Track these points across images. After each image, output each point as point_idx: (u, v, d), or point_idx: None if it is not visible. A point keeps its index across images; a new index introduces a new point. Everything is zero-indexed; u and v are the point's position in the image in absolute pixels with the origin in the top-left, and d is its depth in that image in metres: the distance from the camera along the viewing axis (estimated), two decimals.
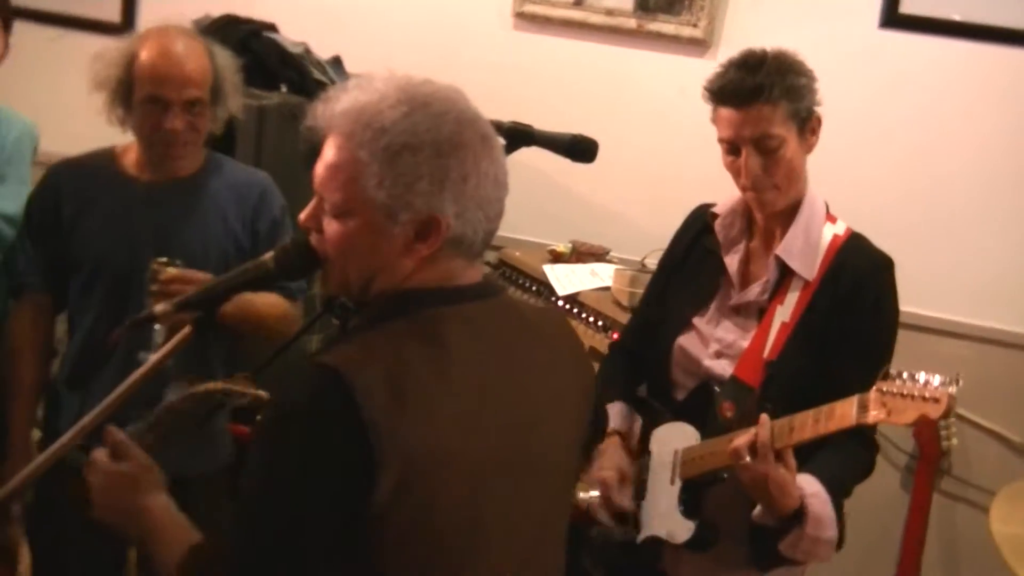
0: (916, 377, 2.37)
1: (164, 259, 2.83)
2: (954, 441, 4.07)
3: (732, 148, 2.74)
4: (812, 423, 2.50)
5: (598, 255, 4.18)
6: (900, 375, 2.39)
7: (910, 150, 4.21)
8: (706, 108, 2.78)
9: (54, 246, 3.10)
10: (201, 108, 3.01)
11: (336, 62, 4.15)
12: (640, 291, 3.47)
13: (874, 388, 2.41)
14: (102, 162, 3.15)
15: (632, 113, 4.33)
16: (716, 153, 2.79)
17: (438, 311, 1.98)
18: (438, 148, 1.93)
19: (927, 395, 2.34)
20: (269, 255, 2.12)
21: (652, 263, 3.70)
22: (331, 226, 1.97)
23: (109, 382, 2.79)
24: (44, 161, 3.37)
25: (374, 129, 1.91)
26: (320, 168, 1.96)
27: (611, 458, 2.92)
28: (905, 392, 2.36)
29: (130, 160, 3.13)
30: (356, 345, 1.91)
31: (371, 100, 1.94)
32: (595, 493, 2.87)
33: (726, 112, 2.71)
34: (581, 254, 4.16)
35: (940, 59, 4.15)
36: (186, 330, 2.12)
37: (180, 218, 3.09)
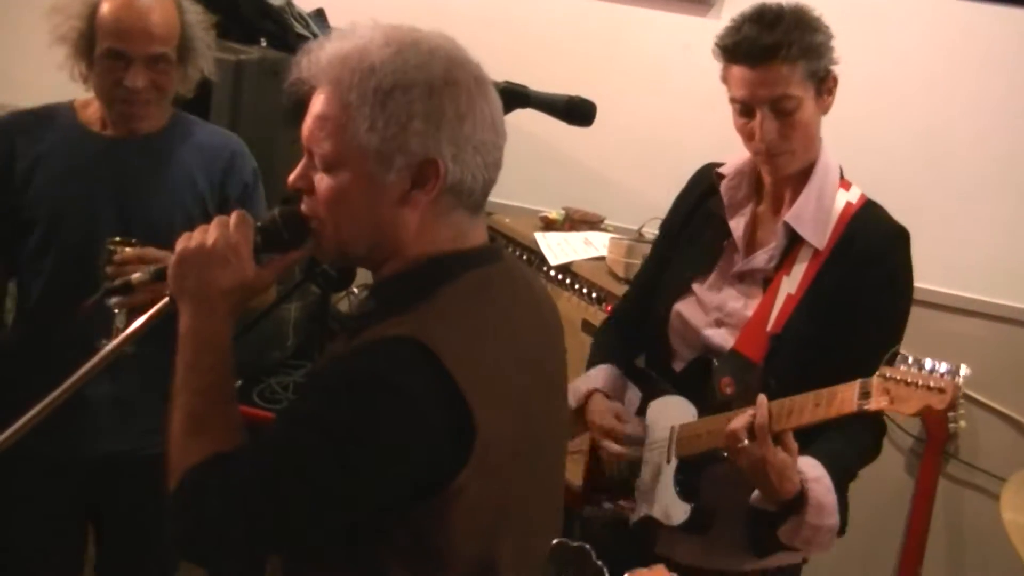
0: (922, 363, 2.34)
1: (119, 238, 2.77)
2: (962, 424, 3.95)
3: (745, 109, 2.70)
4: (812, 407, 2.48)
5: (592, 223, 4.14)
6: (906, 360, 2.35)
7: (929, 117, 4.18)
8: (709, 68, 2.74)
9: (4, 202, 3.00)
10: (165, 65, 2.92)
11: (319, 15, 4.11)
12: (637, 261, 3.48)
13: (877, 373, 2.37)
14: (60, 114, 3.07)
15: (630, 73, 4.29)
16: (719, 116, 2.76)
17: (475, 275, 2.00)
18: (430, 86, 1.90)
19: (932, 384, 2.31)
20: (256, 224, 2.05)
21: (649, 232, 3.69)
22: (322, 182, 1.93)
23: (64, 358, 2.76)
24: None
25: (362, 71, 1.88)
26: (308, 122, 1.93)
27: (597, 412, 2.93)
28: (910, 380, 2.33)
29: (91, 114, 3.05)
30: (424, 313, 1.91)
31: (357, 45, 1.92)
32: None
33: (739, 71, 2.66)
34: (575, 222, 4.12)
35: (964, 23, 4.10)
36: (165, 300, 2.04)
37: (144, 178, 3.02)
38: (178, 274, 2.00)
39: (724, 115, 2.75)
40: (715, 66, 2.72)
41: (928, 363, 2.33)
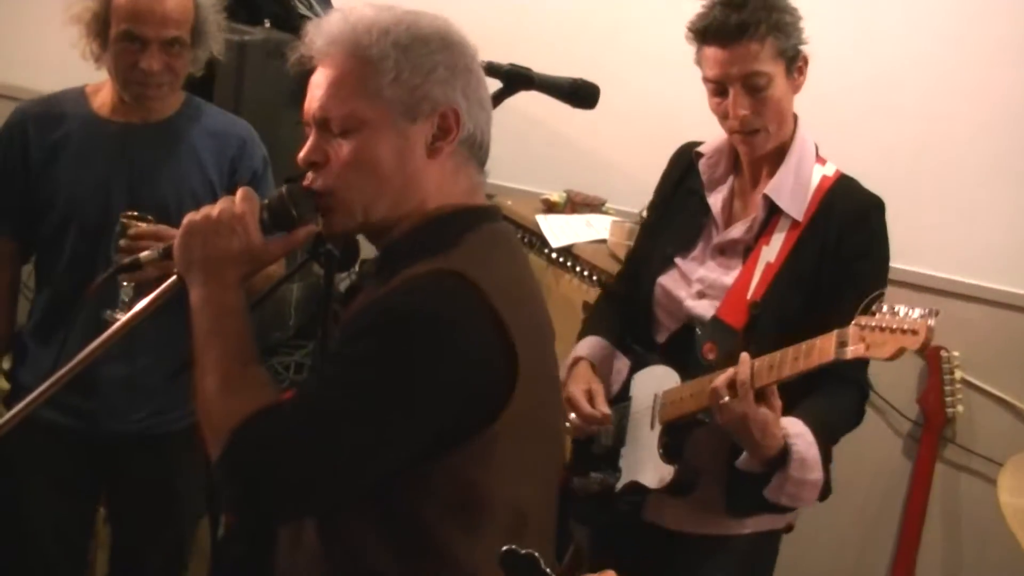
0: (895, 310, 2.38)
1: (134, 213, 2.78)
2: (960, 408, 4.08)
3: (719, 88, 2.77)
4: (792, 360, 2.52)
5: (594, 206, 4.16)
6: (880, 308, 2.40)
7: (918, 102, 4.19)
8: None
9: (21, 190, 3.04)
10: (180, 48, 2.94)
11: None
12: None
13: (854, 323, 2.42)
14: (72, 102, 3.09)
15: (632, 56, 4.30)
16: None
17: (492, 228, 2.07)
18: (443, 39, 1.98)
19: (906, 327, 2.35)
20: (265, 201, 2.05)
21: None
22: (343, 149, 1.95)
23: (79, 335, 2.78)
24: (12, 96, 3.31)
25: (378, 30, 1.94)
26: (319, 93, 1.96)
27: (575, 378, 2.95)
28: (884, 325, 2.38)
29: (102, 100, 3.06)
30: (456, 254, 1.94)
31: (362, 16, 1.96)
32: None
33: (711, 51, 2.75)
34: (576, 204, 4.14)
35: (966, 10, 4.11)
36: (173, 278, 2.05)
37: (154, 163, 3.03)
38: (185, 244, 2.00)
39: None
40: None
41: (901, 309, 2.37)
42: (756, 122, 2.78)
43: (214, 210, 2.00)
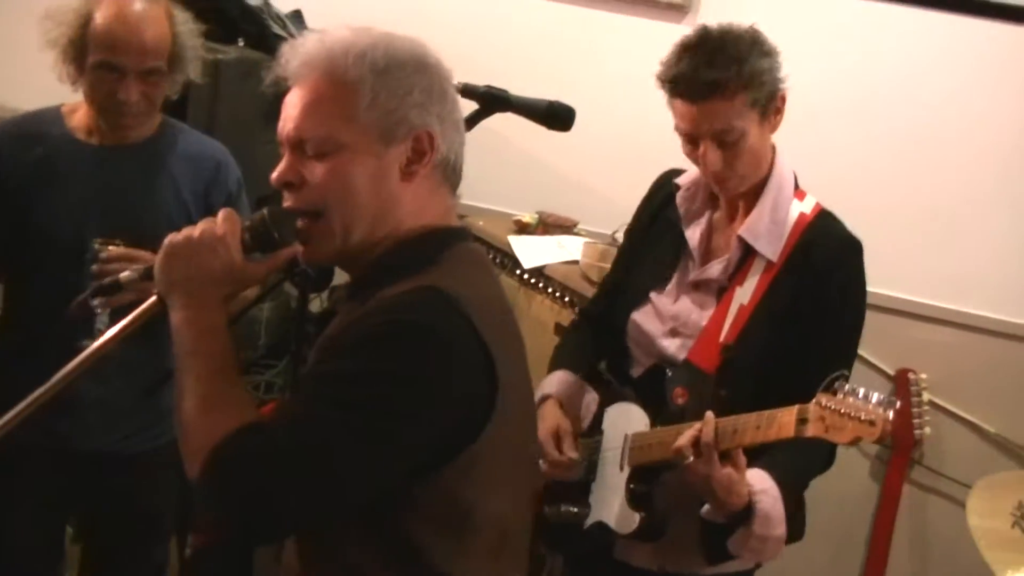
0: (857, 392, 2.36)
1: (104, 239, 2.78)
2: (927, 431, 4.07)
3: (690, 139, 2.71)
4: (754, 429, 2.50)
5: (566, 227, 4.18)
6: (843, 388, 2.37)
7: (896, 127, 4.22)
8: None
9: None
10: (158, 78, 2.93)
11: (297, 16, 4.17)
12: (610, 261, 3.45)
13: (815, 401, 2.40)
14: (48, 122, 3.07)
15: (606, 79, 4.31)
16: None
17: (465, 248, 2.06)
18: (419, 63, 1.97)
19: (863, 417, 2.33)
20: (244, 224, 2.03)
21: (621, 236, 3.62)
22: (318, 169, 1.94)
23: (51, 357, 2.75)
24: None
25: (355, 54, 1.93)
26: (294, 113, 1.94)
27: (542, 418, 2.89)
28: (843, 410, 2.36)
29: (78, 121, 3.05)
30: (435, 272, 1.94)
31: (338, 39, 1.95)
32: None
33: (681, 105, 2.67)
34: (548, 226, 4.15)
35: (928, 31, 4.17)
36: (152, 299, 2.03)
37: (130, 185, 3.02)
38: (166, 265, 1.98)
39: None
40: None
41: (862, 392, 2.36)
42: (728, 172, 2.72)
43: (195, 231, 1.98)
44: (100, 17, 2.86)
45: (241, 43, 3.98)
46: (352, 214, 1.96)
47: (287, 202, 1.99)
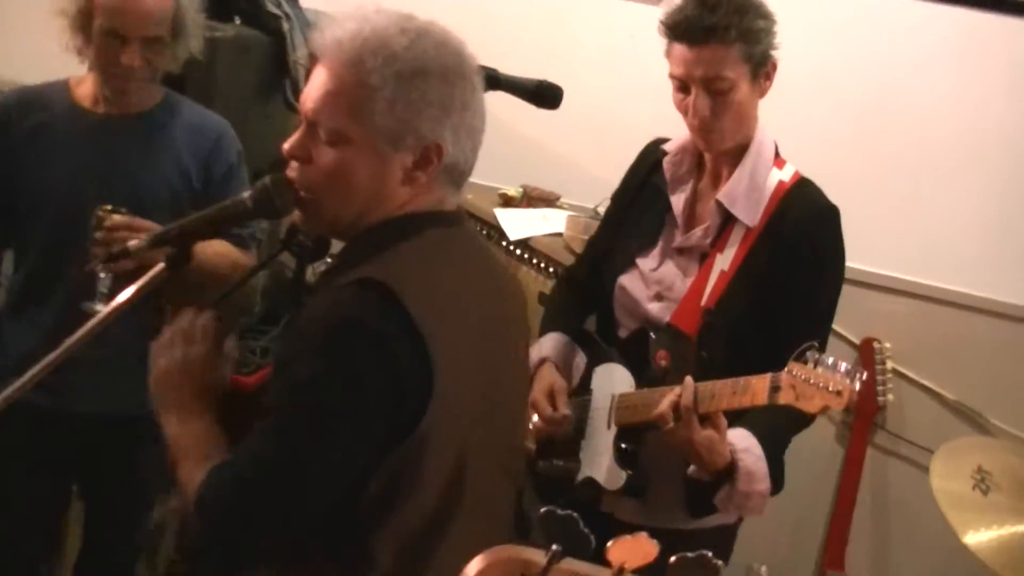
0: (826, 362, 2.40)
1: (109, 206, 2.83)
2: (890, 397, 4.19)
3: (682, 85, 2.75)
4: (730, 395, 2.55)
5: (549, 201, 4.22)
6: (813, 357, 2.41)
7: (864, 103, 4.26)
8: (658, 55, 2.80)
9: (1, 175, 3.08)
10: (160, 46, 2.99)
11: None
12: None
13: (786, 369, 2.44)
14: (55, 93, 3.13)
15: (586, 59, 4.33)
16: (669, 102, 2.81)
17: (438, 233, 2.05)
18: (445, 75, 1.97)
19: (831, 388, 2.38)
20: (247, 193, 2.10)
21: (604, 209, 3.67)
22: (326, 155, 1.98)
23: (53, 318, 2.82)
24: None
25: (384, 55, 1.93)
26: (316, 94, 1.97)
27: (538, 380, 2.95)
28: (812, 380, 2.40)
29: (84, 92, 3.10)
30: (385, 259, 1.97)
31: (376, 28, 1.96)
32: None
33: (679, 49, 2.71)
34: (532, 199, 4.19)
35: (898, 7, 4.22)
36: (159, 267, 2.10)
37: (132, 154, 3.08)
38: (160, 395, 2.13)
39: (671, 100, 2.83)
40: (659, 56, 2.79)
41: (831, 362, 2.40)
42: (714, 123, 2.75)
43: (179, 351, 2.12)
44: None
45: (237, 21, 3.98)
46: (345, 203, 2.01)
47: (291, 172, 2.03)
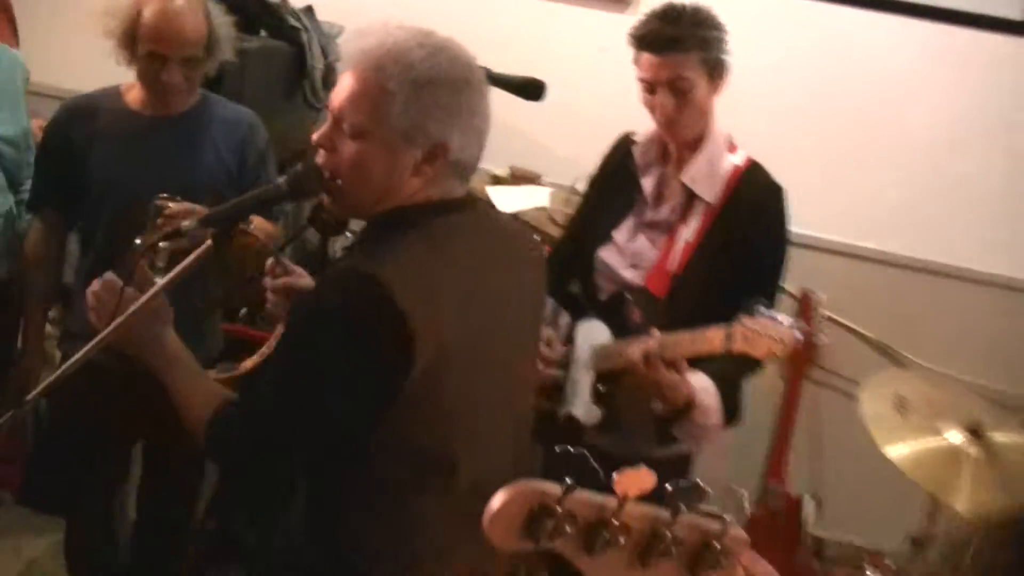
0: (773, 316, 2.50)
1: (166, 195, 2.82)
2: (824, 339, 4.22)
3: (649, 87, 2.80)
4: (690, 343, 2.62)
5: (532, 179, 4.28)
6: (762, 311, 2.50)
7: (813, 90, 4.28)
8: (623, 58, 2.83)
9: (65, 171, 3.10)
10: (196, 63, 3.02)
11: (308, 10, 4.13)
12: (572, 207, 3.52)
13: (738, 321, 2.52)
14: (109, 98, 3.15)
15: (562, 59, 4.24)
16: (633, 96, 2.83)
17: (441, 220, 2.06)
18: (455, 85, 2.00)
19: (776, 336, 2.48)
20: (282, 179, 2.12)
21: (582, 187, 3.56)
22: (349, 146, 2.01)
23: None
24: (58, 95, 3.40)
25: (403, 65, 1.97)
26: (342, 94, 2.02)
27: None
28: (761, 331, 2.49)
29: (134, 97, 3.13)
30: (382, 252, 1.98)
31: (397, 41, 2.00)
32: None
33: (646, 57, 2.77)
34: (517, 178, 4.28)
35: (847, 24, 4.23)
36: (207, 244, 2.12)
37: (177, 147, 3.10)
38: (128, 348, 2.16)
39: (635, 95, 2.84)
40: (625, 56, 2.82)
41: (777, 316, 2.50)
42: (678, 118, 2.81)
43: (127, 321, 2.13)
44: (147, 13, 2.94)
45: (263, 33, 4.01)
46: (363, 188, 2.04)
47: (319, 158, 2.07)
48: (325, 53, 4.08)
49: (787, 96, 4.31)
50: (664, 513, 1.21)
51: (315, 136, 2.07)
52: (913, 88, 4.30)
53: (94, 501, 3.33)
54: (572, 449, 1.26)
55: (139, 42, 2.95)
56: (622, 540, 1.19)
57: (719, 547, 1.21)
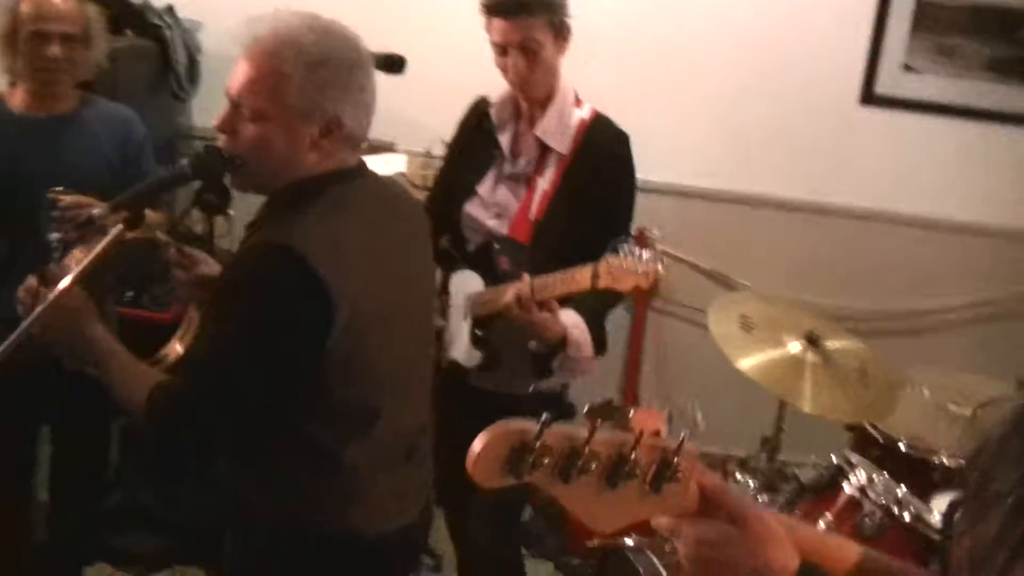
0: (635, 252, 2.54)
1: (60, 188, 2.85)
2: (663, 272, 4.31)
3: (501, 50, 2.87)
4: (560, 283, 2.67)
5: (387, 147, 4.26)
6: (624, 249, 2.54)
7: (642, 45, 4.41)
8: (467, 34, 2.95)
9: None
10: (74, 44, 3.05)
11: (169, 9, 4.20)
12: (430, 173, 3.65)
13: (603, 260, 2.56)
14: None
15: (416, 30, 4.24)
16: (477, 65, 2.94)
17: (340, 188, 2.11)
18: (345, 64, 2.04)
19: (640, 271, 2.54)
20: (185, 161, 2.16)
21: (436, 151, 3.85)
22: (249, 129, 2.04)
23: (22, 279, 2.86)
24: None
25: (297, 48, 2.00)
26: (240, 80, 2.04)
27: None
28: (625, 267, 2.54)
29: (17, 100, 3.15)
30: (290, 223, 2.03)
31: (289, 26, 2.03)
32: None
33: (497, 22, 2.84)
34: (373, 147, 4.06)
35: None
36: (119, 228, 2.13)
37: (64, 146, 3.14)
38: (56, 341, 2.15)
39: (483, 61, 2.93)
40: (468, 27, 2.92)
41: (637, 252, 2.54)
42: (529, 77, 2.87)
43: (48, 311, 2.11)
44: (25, 3, 3.00)
45: (129, 33, 4.05)
46: (265, 166, 2.08)
47: (220, 143, 2.10)
48: (188, 48, 4.13)
49: (622, 55, 4.35)
50: (628, 437, 1.21)
51: (215, 122, 2.08)
52: (724, 45, 4.40)
53: (4, 483, 3.32)
54: (543, 386, 1.28)
55: (20, 31, 2.98)
56: (593, 466, 1.19)
57: (676, 462, 1.23)
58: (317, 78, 2.01)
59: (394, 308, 2.17)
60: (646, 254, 2.58)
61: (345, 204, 2.12)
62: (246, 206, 2.27)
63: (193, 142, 4.29)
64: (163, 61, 4.11)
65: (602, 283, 2.59)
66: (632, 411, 1.20)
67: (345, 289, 1.99)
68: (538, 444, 1.16)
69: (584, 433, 1.18)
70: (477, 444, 1.16)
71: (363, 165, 2.24)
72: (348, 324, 2.01)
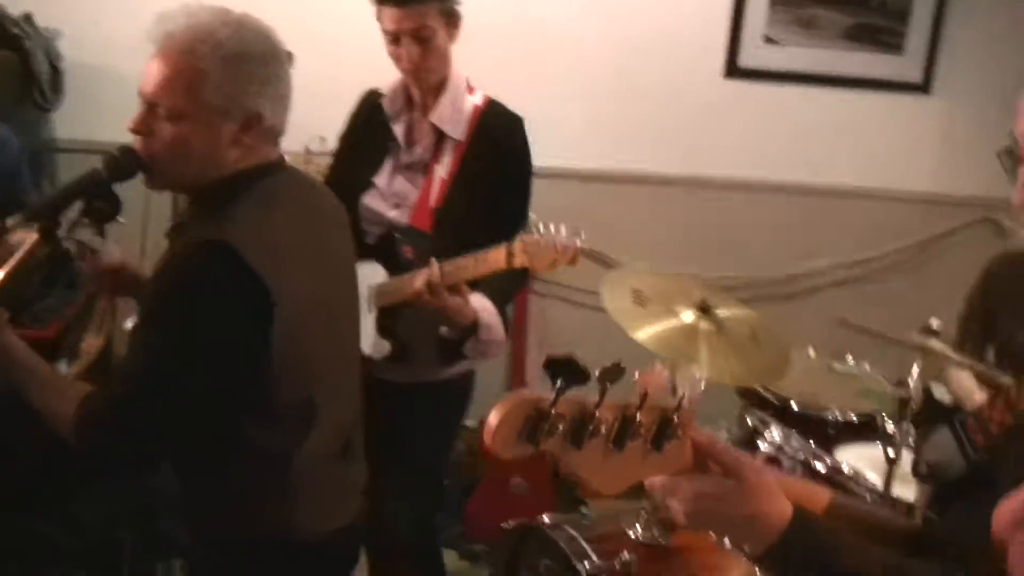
0: (550, 228, 2.55)
1: None
2: (581, 245, 4.04)
3: (394, 39, 2.87)
4: (473, 265, 2.65)
5: None
6: (538, 226, 2.55)
7: (514, 30, 4.41)
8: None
9: None
10: None
11: (27, 18, 4.06)
12: (312, 168, 3.51)
13: (518, 239, 2.55)
14: None
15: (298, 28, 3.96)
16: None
17: (265, 183, 2.10)
18: (261, 58, 2.03)
19: (559, 246, 2.54)
20: (100, 165, 2.11)
21: (315, 148, 3.80)
22: (166, 129, 2.00)
23: None
24: None
25: (212, 44, 1.96)
26: (155, 80, 1.99)
27: None
28: (543, 243, 2.54)
29: None
30: (220, 220, 2.00)
31: (202, 22, 1.99)
32: None
33: (389, 11, 2.83)
34: None
35: None
36: (34, 236, 2.11)
37: None
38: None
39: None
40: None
41: (553, 229, 2.55)
42: (423, 65, 2.88)
43: None
44: None
45: None
46: (184, 166, 2.05)
47: (136, 144, 2.06)
48: (49, 57, 3.98)
49: (490, 38, 4.07)
50: (633, 399, 1.24)
51: (130, 124, 2.03)
52: (590, 27, 4.44)
53: None
54: (557, 355, 1.22)
55: None
56: (603, 430, 1.21)
57: (676, 420, 1.26)
58: (234, 73, 1.98)
59: (329, 300, 2.17)
60: (564, 229, 2.56)
61: (274, 199, 2.09)
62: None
63: (58, 156, 4.15)
64: (24, 72, 3.96)
65: (518, 262, 2.58)
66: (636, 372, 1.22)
67: (283, 284, 1.97)
68: (553, 412, 1.18)
69: (593, 398, 1.21)
70: (493, 417, 1.18)
71: (283, 159, 2.20)
72: (287, 319, 1.98)
